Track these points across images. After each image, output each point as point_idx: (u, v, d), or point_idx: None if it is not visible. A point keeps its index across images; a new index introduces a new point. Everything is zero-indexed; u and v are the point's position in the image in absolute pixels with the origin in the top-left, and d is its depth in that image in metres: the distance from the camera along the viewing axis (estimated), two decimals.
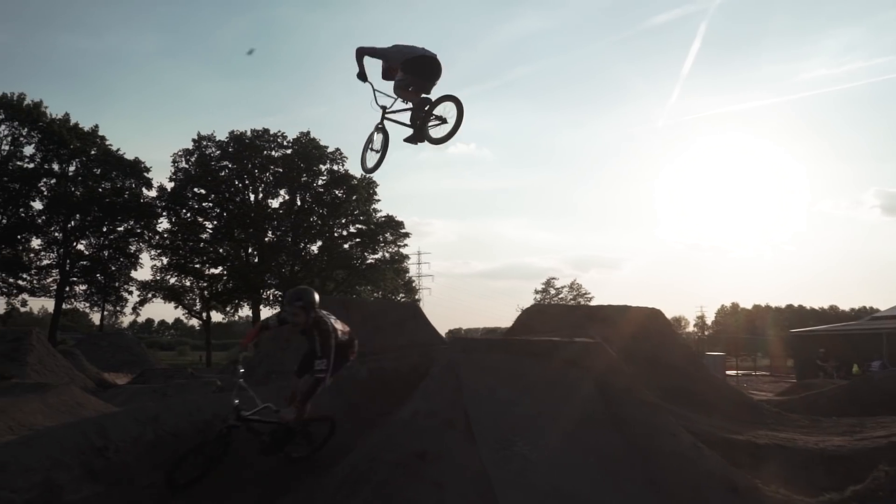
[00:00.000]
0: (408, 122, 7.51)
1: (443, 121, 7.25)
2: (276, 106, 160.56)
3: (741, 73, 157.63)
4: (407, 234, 56.46)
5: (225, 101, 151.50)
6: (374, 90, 7.58)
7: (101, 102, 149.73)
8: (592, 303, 75.01)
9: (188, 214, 53.28)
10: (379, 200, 56.52)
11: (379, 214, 55.95)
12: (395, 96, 7.48)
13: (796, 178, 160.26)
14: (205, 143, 53.35)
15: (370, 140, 8.00)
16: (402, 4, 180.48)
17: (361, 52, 7.45)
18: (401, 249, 56.81)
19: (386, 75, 7.52)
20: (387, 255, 56.55)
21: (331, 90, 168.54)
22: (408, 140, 7.59)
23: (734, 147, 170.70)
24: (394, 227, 55.73)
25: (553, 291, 76.88)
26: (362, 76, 7.50)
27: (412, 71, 7.16)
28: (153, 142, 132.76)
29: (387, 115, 7.69)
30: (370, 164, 8.11)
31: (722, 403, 10.15)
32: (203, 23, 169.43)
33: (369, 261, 55.90)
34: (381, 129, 7.84)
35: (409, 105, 7.40)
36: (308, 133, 54.61)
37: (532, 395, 6.19)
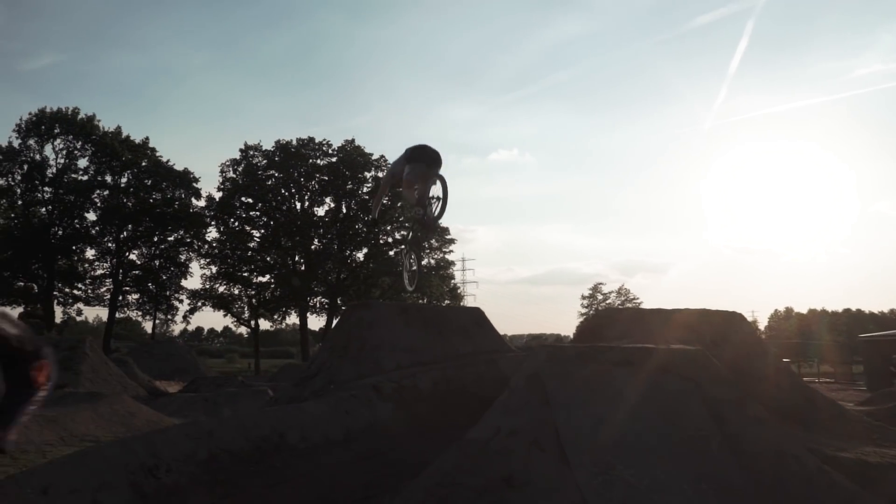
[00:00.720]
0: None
1: (437, 199, 7.81)
2: (320, 117, 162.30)
3: (791, 71, 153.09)
4: (452, 241, 56.00)
5: (271, 112, 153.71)
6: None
7: (151, 116, 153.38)
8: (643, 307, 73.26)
9: (236, 223, 53.62)
10: None
11: None
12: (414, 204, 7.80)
13: (850, 178, 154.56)
14: (252, 152, 53.66)
15: (403, 264, 9.03)
16: (440, 13, 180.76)
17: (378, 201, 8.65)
18: (446, 256, 56.30)
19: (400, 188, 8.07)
20: (432, 261, 56.02)
21: (372, 99, 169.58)
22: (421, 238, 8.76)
23: (784, 147, 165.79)
24: (439, 234, 55.16)
25: (601, 297, 75.24)
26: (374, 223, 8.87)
27: (416, 158, 7.61)
28: (201, 153, 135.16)
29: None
30: (410, 285, 9.48)
31: (820, 416, 9.16)
32: (249, 37, 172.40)
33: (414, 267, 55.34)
34: (407, 252, 9.08)
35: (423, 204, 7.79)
36: (353, 141, 54.59)
37: (630, 411, 5.39)
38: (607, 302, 74.47)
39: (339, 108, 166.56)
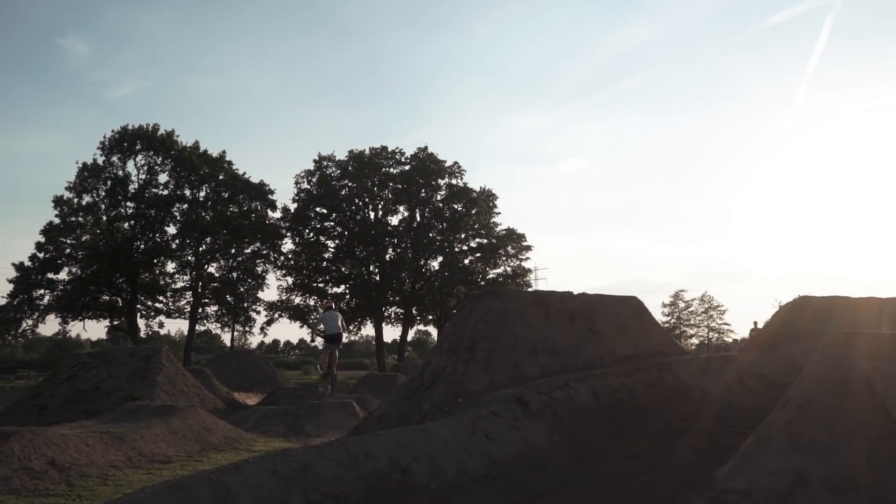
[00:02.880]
0: None
1: None
2: (389, 130, 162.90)
3: (875, 66, 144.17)
4: (528, 248, 53.41)
5: (341, 127, 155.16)
6: None
7: (227, 135, 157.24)
8: (726, 316, 68.83)
9: (311, 234, 52.60)
10: (499, 213, 53.86)
11: (499, 228, 53.20)
12: None
13: None
14: (325, 163, 52.63)
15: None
16: (503, 24, 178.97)
17: None
18: (522, 263, 53.72)
19: None
20: (508, 269, 53.61)
21: (440, 112, 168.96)
22: None
23: (871, 146, 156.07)
24: (515, 241, 52.76)
25: (682, 304, 71.10)
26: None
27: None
28: (276, 169, 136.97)
29: None
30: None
31: None
32: (318, 56, 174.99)
33: (490, 276, 53.11)
34: None
35: None
36: (425, 148, 52.84)
37: None
38: (690, 310, 70.33)
39: (408, 121, 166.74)
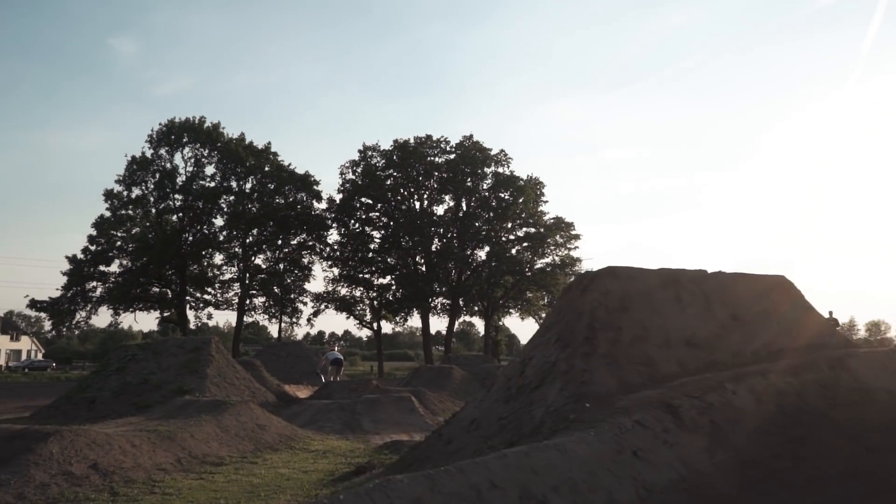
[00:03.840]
0: None
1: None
2: (432, 120, 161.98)
3: None
4: (577, 236, 51.55)
5: (384, 118, 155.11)
6: None
7: (272, 128, 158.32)
8: None
9: (356, 225, 51.70)
10: (547, 202, 52.19)
11: (547, 216, 51.50)
12: None
13: None
14: (370, 153, 51.58)
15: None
16: (544, 14, 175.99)
17: None
18: (571, 252, 51.90)
19: None
20: (556, 258, 51.91)
21: (482, 101, 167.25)
22: None
23: None
24: (563, 229, 51.00)
25: None
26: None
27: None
28: (321, 161, 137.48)
29: None
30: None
31: None
32: (359, 50, 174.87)
33: (538, 265, 51.51)
34: None
35: None
36: (471, 136, 51.34)
37: None
38: None
39: (451, 112, 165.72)
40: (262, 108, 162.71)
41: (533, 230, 51.13)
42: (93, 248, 47.31)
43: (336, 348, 25.75)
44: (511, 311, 57.07)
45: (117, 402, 16.51)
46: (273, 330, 63.45)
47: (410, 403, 15.51)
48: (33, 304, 46.74)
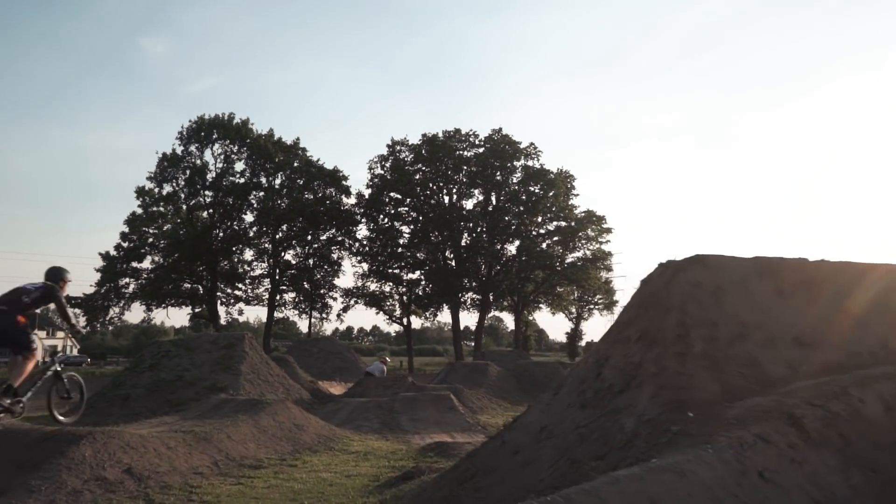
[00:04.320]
0: None
1: None
2: (460, 116, 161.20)
3: None
4: (609, 230, 50.56)
5: (412, 114, 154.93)
6: None
7: (300, 125, 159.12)
8: None
9: (385, 220, 51.32)
10: (578, 195, 51.25)
11: (578, 210, 50.57)
12: None
13: None
14: (398, 147, 51.14)
15: None
16: (570, 5, 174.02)
17: None
18: (602, 246, 50.93)
19: None
20: (588, 252, 50.99)
21: (510, 95, 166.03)
22: None
23: None
24: (595, 223, 50.02)
25: None
26: None
27: None
28: (349, 155, 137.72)
29: None
30: None
31: None
32: (386, 46, 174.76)
33: (569, 259, 50.62)
34: None
35: None
36: (500, 130, 50.63)
37: None
38: None
39: (479, 106, 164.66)
40: (289, 105, 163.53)
41: (564, 224, 50.25)
42: (125, 244, 47.58)
43: (386, 359, 28.27)
44: (541, 305, 56.30)
45: (151, 400, 16.17)
46: (302, 325, 63.46)
47: (450, 402, 14.92)
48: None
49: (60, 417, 8.41)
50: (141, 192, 48.27)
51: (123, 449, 8.09)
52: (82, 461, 7.59)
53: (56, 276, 8.23)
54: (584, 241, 50.39)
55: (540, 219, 50.85)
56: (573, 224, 49.87)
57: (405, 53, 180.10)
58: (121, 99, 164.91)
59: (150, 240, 48.51)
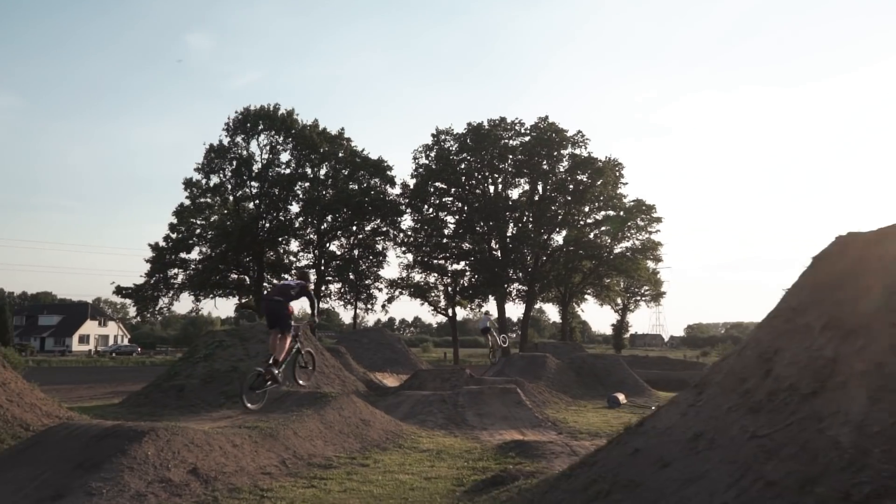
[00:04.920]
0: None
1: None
2: (502, 106, 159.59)
3: None
4: (658, 219, 48.82)
5: (454, 104, 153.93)
6: None
7: (343, 117, 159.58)
8: None
9: (430, 210, 50.45)
10: (626, 184, 49.63)
11: (627, 199, 48.99)
12: None
13: None
14: (443, 136, 50.17)
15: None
16: None
17: None
18: (652, 236, 49.21)
19: None
20: (637, 242, 49.37)
21: (551, 84, 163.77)
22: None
23: None
24: (644, 212, 48.39)
25: None
26: None
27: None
28: (393, 146, 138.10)
29: None
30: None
31: None
32: (425, 36, 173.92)
33: (618, 249, 49.10)
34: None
35: None
36: (546, 118, 49.21)
37: None
38: None
39: (525, 94, 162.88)
40: (332, 97, 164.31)
41: (612, 213, 48.73)
42: (174, 235, 47.70)
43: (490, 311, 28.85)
44: (587, 297, 54.90)
45: (206, 391, 15.65)
46: (345, 317, 63.17)
47: (516, 396, 14.01)
48: (119, 290, 47.49)
49: (301, 382, 9.93)
50: (188, 183, 48.31)
51: (188, 447, 7.38)
52: (145, 461, 6.90)
53: (305, 275, 9.71)
54: (633, 231, 48.80)
55: (587, 208, 49.40)
56: (622, 213, 48.31)
57: (448, 42, 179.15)
58: (169, 94, 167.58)
59: (198, 231, 48.54)
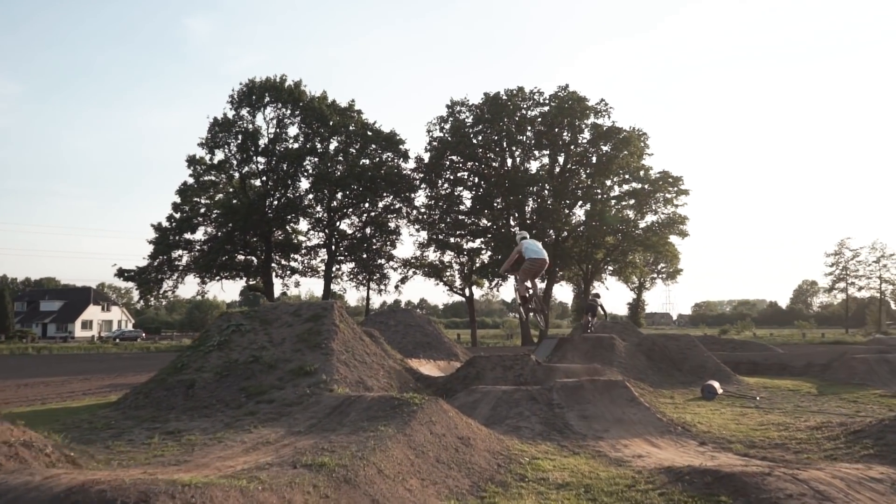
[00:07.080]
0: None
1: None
2: (522, 74, 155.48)
3: None
4: (686, 192, 45.14)
5: (471, 74, 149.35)
6: None
7: (353, 89, 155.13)
8: None
9: (445, 185, 46.70)
10: (652, 155, 45.85)
11: (652, 171, 45.26)
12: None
13: None
14: (458, 108, 46.30)
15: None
16: None
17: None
18: (678, 210, 45.54)
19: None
20: (662, 216, 45.73)
21: (561, 60, 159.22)
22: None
23: None
24: (671, 184, 44.72)
25: (849, 254, 60.43)
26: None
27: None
28: (406, 118, 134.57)
29: None
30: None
31: None
32: (431, 14, 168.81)
33: (643, 224, 45.48)
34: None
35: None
36: (566, 87, 45.39)
37: None
38: (858, 259, 59.67)
39: (543, 63, 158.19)
40: (341, 70, 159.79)
41: (637, 186, 45.03)
42: (177, 215, 43.92)
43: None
44: (606, 275, 51.32)
45: (221, 388, 12.02)
46: (350, 298, 59.47)
47: (627, 392, 10.45)
48: (121, 272, 43.75)
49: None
50: (192, 160, 44.47)
51: None
52: None
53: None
54: (659, 204, 45.16)
55: (610, 182, 45.72)
56: (647, 186, 44.63)
57: (454, 14, 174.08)
58: (171, 78, 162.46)
59: (203, 210, 44.78)
